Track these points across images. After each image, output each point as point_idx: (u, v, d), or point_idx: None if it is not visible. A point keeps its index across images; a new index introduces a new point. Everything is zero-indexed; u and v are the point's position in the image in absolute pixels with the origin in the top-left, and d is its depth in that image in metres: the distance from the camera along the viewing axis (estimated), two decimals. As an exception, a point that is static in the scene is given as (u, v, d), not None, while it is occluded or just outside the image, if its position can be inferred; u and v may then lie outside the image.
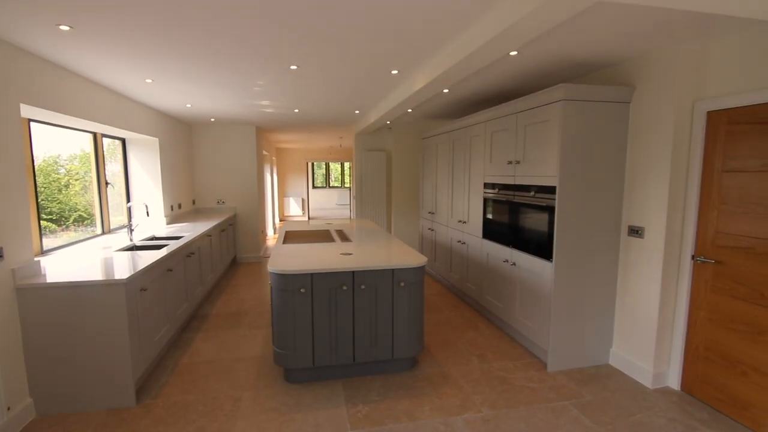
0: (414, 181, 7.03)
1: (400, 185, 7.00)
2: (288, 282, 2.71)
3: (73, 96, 3.23)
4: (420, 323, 2.99)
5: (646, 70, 2.82)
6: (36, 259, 2.80)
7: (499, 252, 3.70)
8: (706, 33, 2.41)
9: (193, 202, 6.51)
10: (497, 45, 2.38)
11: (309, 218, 13.02)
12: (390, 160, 7.12)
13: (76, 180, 4.06)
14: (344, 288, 2.77)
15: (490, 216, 3.91)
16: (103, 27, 2.26)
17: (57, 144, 3.81)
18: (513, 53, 2.71)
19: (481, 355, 3.29)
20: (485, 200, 3.98)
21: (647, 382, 2.85)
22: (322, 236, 4.10)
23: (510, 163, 3.49)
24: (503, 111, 3.58)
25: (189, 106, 4.72)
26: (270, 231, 9.76)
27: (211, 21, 2.22)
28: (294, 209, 12.60)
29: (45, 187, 3.61)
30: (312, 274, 2.72)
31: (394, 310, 2.88)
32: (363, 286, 2.80)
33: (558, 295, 2.99)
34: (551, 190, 2.96)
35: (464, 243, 4.48)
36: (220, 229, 5.56)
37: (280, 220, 12.41)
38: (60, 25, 2.20)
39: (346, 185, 17.45)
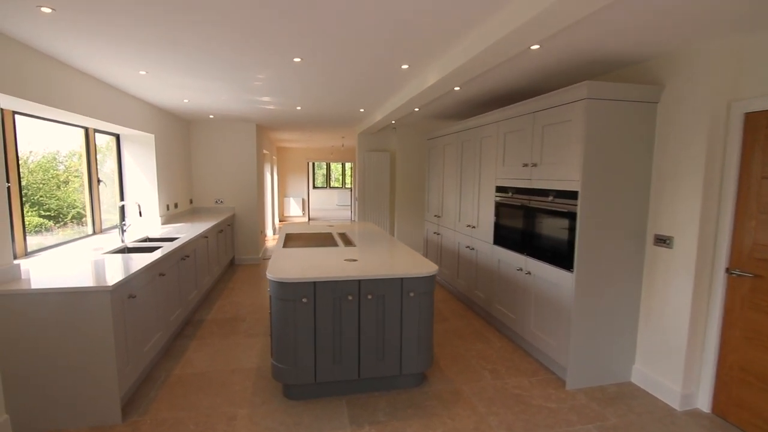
0: (418, 182, 6.83)
1: (404, 187, 6.79)
2: (289, 291, 2.50)
3: (62, 87, 3.02)
4: (430, 336, 2.78)
5: (676, 68, 2.62)
6: (16, 262, 2.59)
7: (513, 260, 3.50)
8: (743, 27, 2.21)
9: (191, 202, 6.30)
10: (519, 37, 2.18)
11: (309, 219, 12.81)
12: (393, 161, 6.92)
13: (76, 177, 3.90)
14: (350, 298, 2.56)
15: (502, 221, 3.70)
16: (87, 8, 2.05)
17: (55, 140, 3.67)
18: (535, 47, 2.51)
19: (494, 370, 3.08)
20: (497, 204, 3.78)
21: (675, 403, 2.65)
22: (324, 240, 3.89)
23: (525, 165, 3.29)
24: (518, 110, 3.37)
25: (186, 101, 4.52)
26: (269, 232, 9.55)
27: (209, 8, 2.01)
28: (294, 210, 12.40)
29: (44, 184, 3.48)
30: (315, 283, 2.52)
31: (402, 321, 2.67)
32: (370, 296, 2.59)
33: (579, 307, 2.79)
34: (572, 195, 2.76)
35: (473, 249, 4.28)
36: (218, 229, 5.35)
37: (280, 221, 12.20)
38: (41, 6, 2.00)
39: (347, 186, 17.26)
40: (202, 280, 4.49)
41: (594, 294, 2.81)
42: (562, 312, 2.87)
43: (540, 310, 3.15)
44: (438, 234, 5.32)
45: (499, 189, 3.73)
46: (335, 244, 3.61)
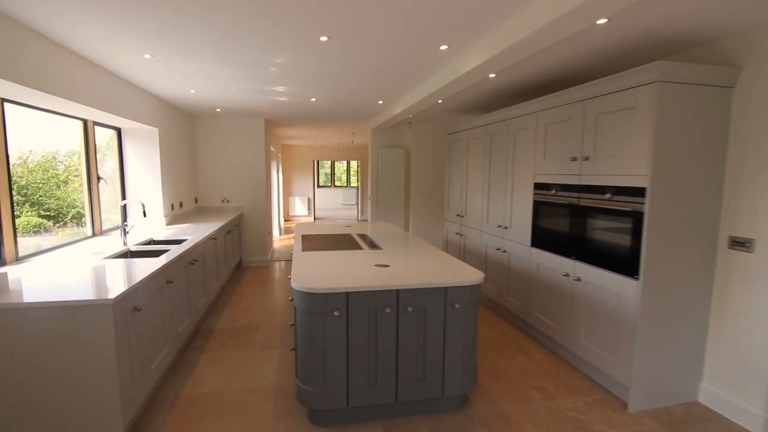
0: (436, 180, 6.49)
1: (420, 184, 6.46)
2: (318, 303, 2.17)
3: (59, 72, 2.69)
4: (474, 353, 2.45)
5: (758, 48, 2.29)
6: (4, 270, 2.26)
7: (557, 264, 3.16)
8: None
9: (196, 201, 5.97)
10: (590, 7, 1.86)
11: (315, 219, 12.48)
12: (408, 158, 6.58)
13: (76, 176, 3.61)
14: (387, 311, 2.22)
15: (542, 222, 3.37)
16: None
17: (55, 139, 3.42)
18: (602, 21, 2.17)
19: (543, 389, 2.75)
20: (536, 203, 3.44)
21: (756, 428, 2.31)
22: (345, 242, 3.56)
23: (574, 159, 2.96)
24: (565, 98, 3.04)
25: (194, 92, 4.18)
26: (276, 232, 9.22)
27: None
28: (299, 209, 12.07)
29: (44, 183, 3.30)
30: (348, 293, 2.18)
31: (446, 337, 2.34)
32: (410, 309, 2.26)
33: (645, 319, 2.45)
34: (638, 192, 2.43)
35: (505, 251, 3.94)
36: (226, 230, 5.02)
37: (285, 221, 11.87)
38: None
39: (352, 185, 16.92)
40: (210, 285, 4.16)
41: (662, 304, 2.48)
42: (624, 324, 2.54)
43: (592, 321, 2.82)
44: (460, 235, 4.98)
45: (539, 186, 3.40)
46: (358, 247, 3.28)
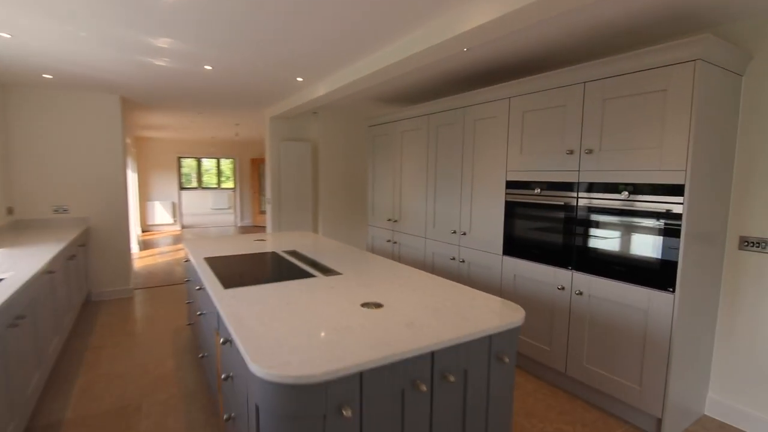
0: (351, 179, 5.69)
1: (332, 185, 5.58)
2: (312, 399, 1.20)
3: None
4: (512, 418, 1.77)
5: (772, 31, 2.12)
6: None
7: (546, 275, 2.70)
8: None
9: (9, 212, 4.02)
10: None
11: (182, 227, 10.40)
12: (316, 153, 5.63)
13: None
14: (423, 389, 1.37)
15: (520, 226, 2.88)
16: None
17: None
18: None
19: (561, 429, 2.23)
20: (510, 205, 2.94)
21: (780, 443, 2.16)
22: (279, 266, 2.52)
23: (570, 153, 2.51)
24: (555, 81, 2.58)
25: (8, 36, 2.58)
26: (134, 247, 7.22)
27: None
28: (162, 216, 9.88)
29: None
30: (362, 374, 1.27)
31: (489, 406, 1.60)
32: (452, 378, 1.45)
33: (680, 338, 2.10)
34: (672, 189, 2.05)
35: (462, 261, 3.38)
36: (67, 255, 3.38)
37: (143, 231, 9.58)
38: None
39: (223, 186, 14.86)
40: (48, 348, 2.64)
41: (694, 317, 2.17)
42: (653, 344, 2.16)
43: (601, 342, 2.40)
44: (395, 242, 4.29)
45: (514, 185, 2.91)
46: (306, 274, 2.31)
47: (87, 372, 2.89)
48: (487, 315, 1.64)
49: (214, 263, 2.58)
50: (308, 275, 2.27)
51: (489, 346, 1.56)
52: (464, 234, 3.36)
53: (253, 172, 10.80)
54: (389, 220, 4.36)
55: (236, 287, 2.03)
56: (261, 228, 10.53)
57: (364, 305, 1.76)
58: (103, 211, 4.47)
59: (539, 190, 2.73)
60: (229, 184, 15.28)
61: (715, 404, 2.39)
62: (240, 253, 2.91)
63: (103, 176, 4.43)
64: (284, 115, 5.20)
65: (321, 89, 3.79)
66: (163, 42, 2.66)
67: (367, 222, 5.76)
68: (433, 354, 1.41)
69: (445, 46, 2.37)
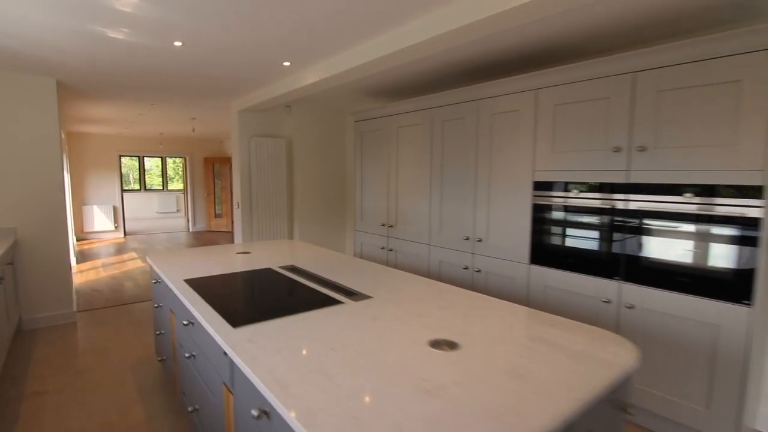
0: (330, 180, 5.21)
1: (309, 186, 5.07)
2: None
3: None
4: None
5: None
6: None
7: (587, 287, 2.43)
8: None
9: None
10: None
11: (126, 234, 9.31)
12: (290, 151, 5.09)
13: None
14: (561, 471, 1.00)
15: (551, 231, 2.60)
16: None
17: None
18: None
19: (634, 474, 1.96)
20: (538, 208, 2.66)
21: None
22: (285, 290, 2.04)
23: (617, 150, 2.26)
24: (598, 70, 2.31)
25: None
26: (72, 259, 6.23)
27: None
28: (101, 222, 8.75)
29: None
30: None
31: (606, 470, 1.26)
32: (586, 448, 1.09)
33: (760, 356, 1.90)
34: (748, 191, 1.84)
35: (479, 270, 3.06)
36: (-9, 279, 2.65)
37: (79, 240, 8.43)
38: None
39: (170, 188, 13.64)
40: (-31, 406, 1.97)
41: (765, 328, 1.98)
42: (724, 363, 1.95)
43: (660, 361, 2.17)
44: (389, 250, 3.89)
45: (543, 186, 2.62)
46: (331, 299, 1.85)
47: (31, 427, 2.23)
48: (601, 355, 1.31)
49: (201, 288, 2.04)
50: (332, 301, 1.83)
51: (609, 397, 1.22)
52: (480, 240, 3.04)
53: (207, 172, 9.90)
54: (383, 225, 3.96)
55: (248, 324, 1.54)
56: (217, 233, 9.68)
57: (433, 345, 1.36)
58: (36, 220, 3.67)
59: (577, 191, 2.46)
60: (177, 185, 14.07)
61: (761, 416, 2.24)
62: (228, 271, 2.38)
63: (35, 178, 3.64)
64: (255, 108, 4.62)
65: (309, 77, 3.31)
66: (125, 3, 2.07)
67: (347, 225, 5.31)
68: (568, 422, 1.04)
69: (476, 27, 2.02)
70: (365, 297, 1.89)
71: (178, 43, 2.65)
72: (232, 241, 8.29)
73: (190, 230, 10.05)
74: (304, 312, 1.68)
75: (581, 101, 2.41)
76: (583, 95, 2.40)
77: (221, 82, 3.77)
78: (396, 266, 3.83)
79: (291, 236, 5.17)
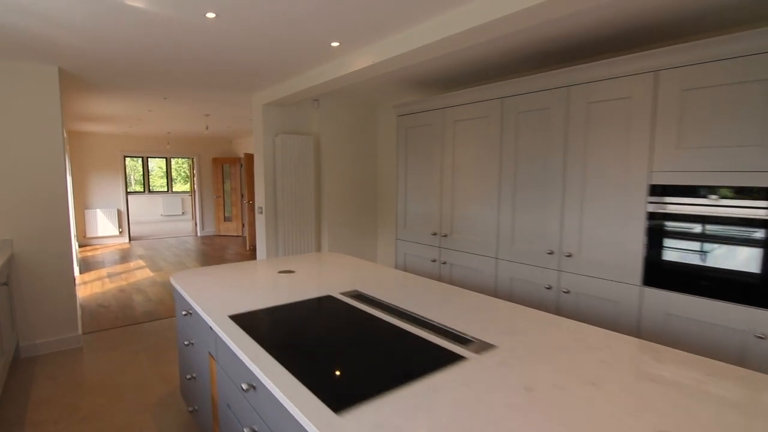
0: (361, 181, 4.72)
1: (338, 188, 4.58)
2: None
3: None
4: None
5: None
6: None
7: (732, 318, 1.93)
8: None
9: None
10: None
11: (130, 239, 8.81)
12: (318, 149, 4.58)
13: None
14: None
15: (676, 246, 2.10)
16: None
17: None
18: None
19: None
20: (654, 217, 2.15)
21: None
22: (372, 335, 1.54)
23: (785, 145, 1.75)
24: (748, 45, 1.81)
25: None
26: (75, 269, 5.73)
27: None
28: (104, 227, 8.23)
29: None
30: None
31: None
32: None
33: None
34: None
35: (567, 291, 2.56)
36: (-19, 309, 2.15)
37: (82, 246, 7.93)
38: None
39: (175, 190, 13.14)
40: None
41: None
42: None
43: None
44: (443, 263, 3.39)
45: (662, 190, 2.12)
46: (445, 352, 1.36)
47: None
48: None
49: (256, 330, 1.54)
50: (449, 356, 1.33)
51: None
52: (569, 256, 2.53)
53: (215, 173, 9.39)
54: (434, 234, 3.46)
55: (356, 405, 1.04)
56: (227, 238, 9.17)
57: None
58: (35, 230, 3.17)
59: (716, 197, 1.95)
60: (183, 187, 13.57)
61: None
62: (282, 302, 1.87)
63: (34, 182, 3.13)
64: (281, 101, 4.12)
65: (358, 61, 2.80)
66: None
67: (379, 231, 4.82)
68: None
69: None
70: (486, 345, 1.39)
71: (210, 15, 2.13)
72: (245, 246, 7.77)
73: (198, 234, 9.54)
74: (417, 380, 1.17)
75: (720, 85, 1.91)
76: (723, 78, 1.89)
77: (252, 68, 3.25)
78: (452, 282, 3.33)
79: (319, 243, 4.67)
